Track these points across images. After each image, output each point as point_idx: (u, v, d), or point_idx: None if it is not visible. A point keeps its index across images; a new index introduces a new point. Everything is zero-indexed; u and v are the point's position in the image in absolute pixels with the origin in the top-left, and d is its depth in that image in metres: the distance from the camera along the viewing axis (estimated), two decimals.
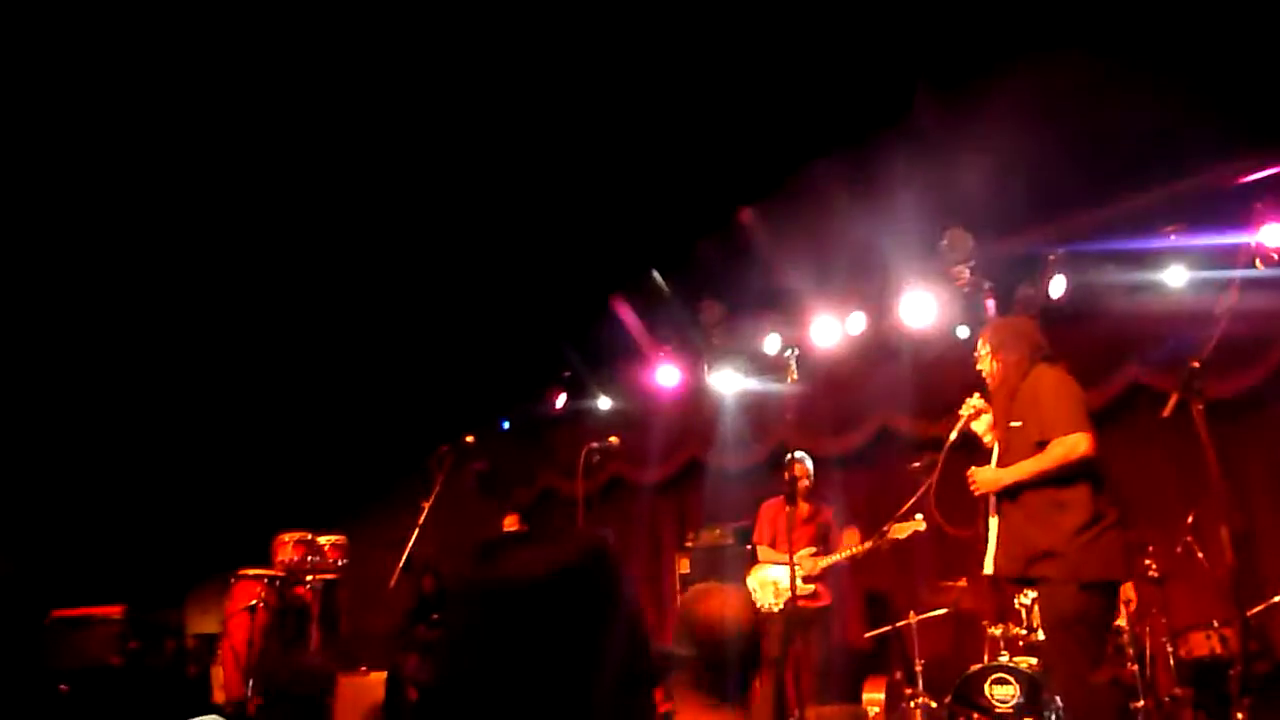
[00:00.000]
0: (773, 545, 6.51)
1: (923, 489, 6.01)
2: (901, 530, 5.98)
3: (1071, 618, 3.82)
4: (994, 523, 4.22)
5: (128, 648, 6.23)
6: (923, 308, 6.95)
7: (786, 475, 6.29)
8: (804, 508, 6.30)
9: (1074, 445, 3.90)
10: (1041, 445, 3.97)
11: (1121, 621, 5.32)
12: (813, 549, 6.23)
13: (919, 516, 6.03)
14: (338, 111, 6.26)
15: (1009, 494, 4.09)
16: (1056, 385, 4.06)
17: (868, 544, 6.13)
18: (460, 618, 1.02)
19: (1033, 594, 5.40)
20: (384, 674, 8.17)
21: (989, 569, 4.22)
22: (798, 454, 6.39)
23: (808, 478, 6.39)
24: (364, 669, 8.02)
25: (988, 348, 4.36)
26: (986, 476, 4.17)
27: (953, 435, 4.51)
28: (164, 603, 7.09)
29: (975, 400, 4.43)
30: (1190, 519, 5.45)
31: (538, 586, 1.00)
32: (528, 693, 0.96)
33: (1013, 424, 4.13)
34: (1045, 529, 3.94)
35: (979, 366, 4.42)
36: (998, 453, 4.25)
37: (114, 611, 6.31)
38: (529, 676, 0.96)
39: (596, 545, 1.04)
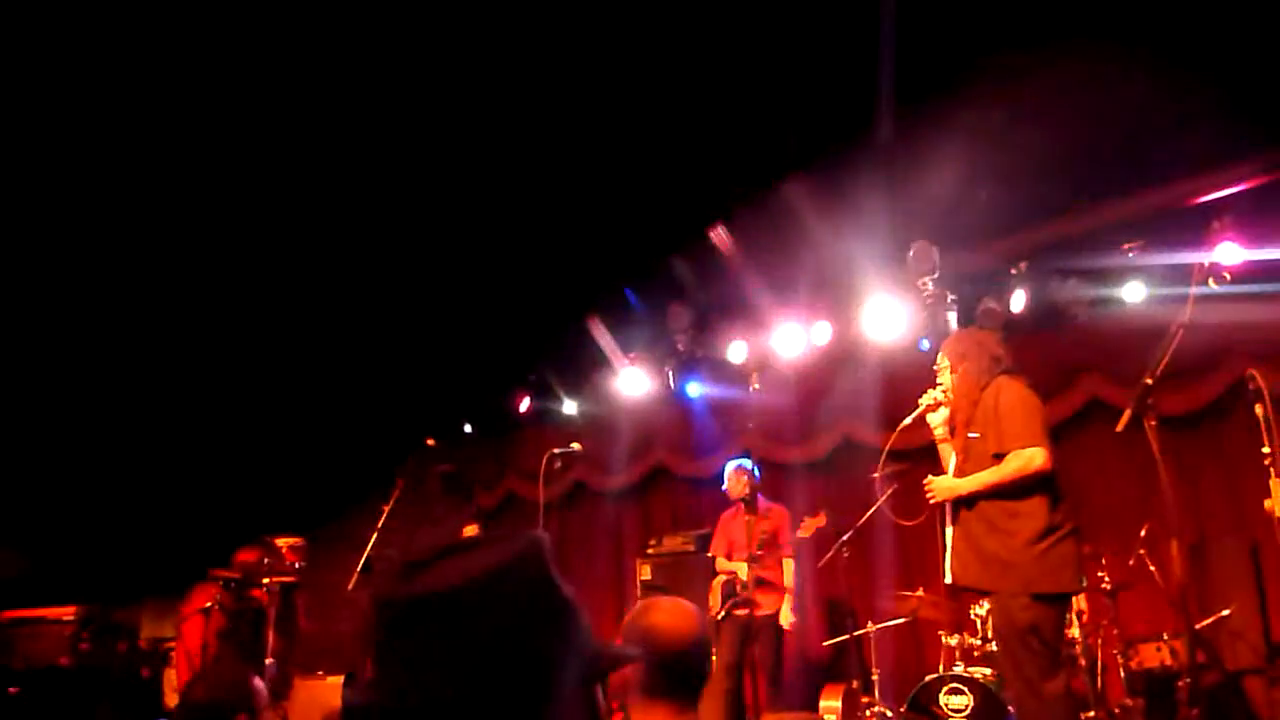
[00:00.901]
0: (729, 556, 6.53)
1: (884, 496, 6.09)
2: (806, 529, 6.16)
3: (1024, 628, 3.86)
4: (950, 531, 4.26)
5: (79, 649, 6.12)
6: (887, 319, 7.01)
7: (734, 482, 6.34)
8: (748, 514, 6.31)
9: (1030, 459, 3.93)
10: (999, 457, 4.00)
11: (1074, 632, 5.39)
12: (757, 554, 6.24)
13: (822, 513, 6.15)
14: (304, 124, 6.22)
15: (966, 504, 4.12)
16: (1016, 398, 4.09)
17: (760, 547, 6.10)
18: (383, 635, 1.00)
19: (988, 604, 5.46)
20: (341, 678, 8.10)
21: (948, 578, 4.26)
22: (738, 461, 6.41)
23: (745, 483, 6.39)
24: (321, 673, 7.94)
25: (947, 360, 4.40)
26: (943, 485, 4.21)
27: (907, 420, 4.53)
28: (122, 604, 6.96)
29: (935, 391, 4.45)
30: (1143, 532, 5.53)
31: (456, 594, 0.98)
32: (463, 703, 0.95)
33: (971, 434, 4.17)
34: (999, 540, 3.97)
35: (938, 380, 4.46)
36: (955, 462, 4.29)
37: (66, 612, 6.20)
38: (461, 686, 0.95)
39: (523, 547, 1.03)
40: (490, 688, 0.96)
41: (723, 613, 6.22)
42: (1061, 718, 3.84)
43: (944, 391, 4.40)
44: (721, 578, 6.42)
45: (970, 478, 4.09)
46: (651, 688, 2.24)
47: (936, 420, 4.44)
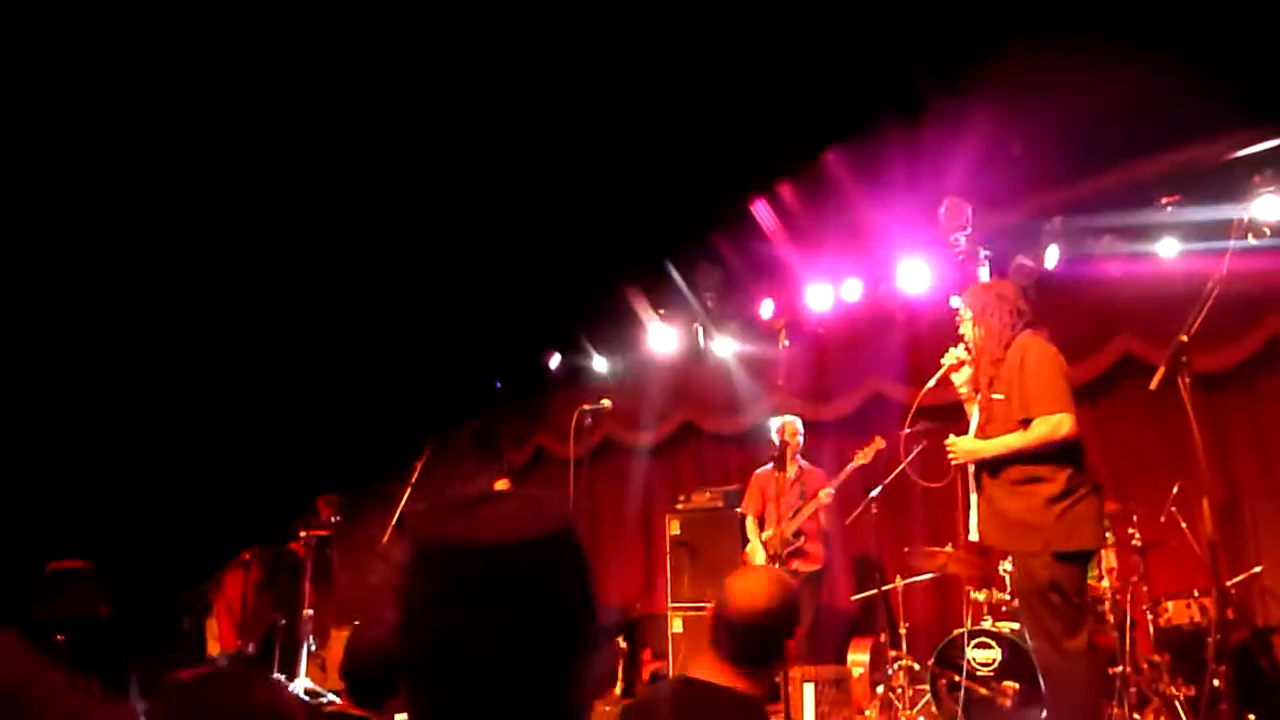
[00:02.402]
0: (761, 515, 6.58)
1: (911, 454, 6.10)
2: (865, 455, 6.19)
3: (1044, 585, 3.88)
4: (975, 493, 4.26)
5: (114, 600, 6.28)
6: (919, 275, 6.96)
7: (777, 439, 6.37)
8: (791, 471, 6.37)
9: (1057, 426, 3.91)
10: (1025, 423, 3.98)
11: (1105, 585, 5.41)
12: (793, 514, 6.31)
13: (877, 437, 6.16)
14: (306, 105, 6.25)
15: (988, 466, 4.12)
16: (1041, 360, 4.05)
17: (834, 484, 6.30)
18: (428, 577, 1.03)
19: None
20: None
21: (974, 535, 4.27)
22: (786, 416, 6.45)
23: (796, 440, 6.45)
24: (357, 623, 8.11)
25: (969, 313, 4.36)
26: (965, 447, 4.20)
27: (930, 382, 4.52)
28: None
29: (958, 350, 4.41)
30: (1175, 489, 5.50)
31: (506, 548, 1.01)
32: (496, 653, 0.98)
33: (995, 395, 4.13)
34: (1020, 501, 3.99)
35: (960, 331, 4.43)
36: (978, 422, 4.27)
37: (82, 566, 6.33)
38: (497, 636, 0.98)
39: (558, 507, 1.07)
40: (536, 640, 0.99)
41: None
42: (1084, 673, 3.87)
43: (966, 347, 4.37)
44: (757, 543, 6.46)
45: (993, 441, 4.07)
46: (718, 646, 2.32)
47: (960, 379, 4.42)
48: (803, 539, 6.38)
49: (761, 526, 6.55)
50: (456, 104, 6.38)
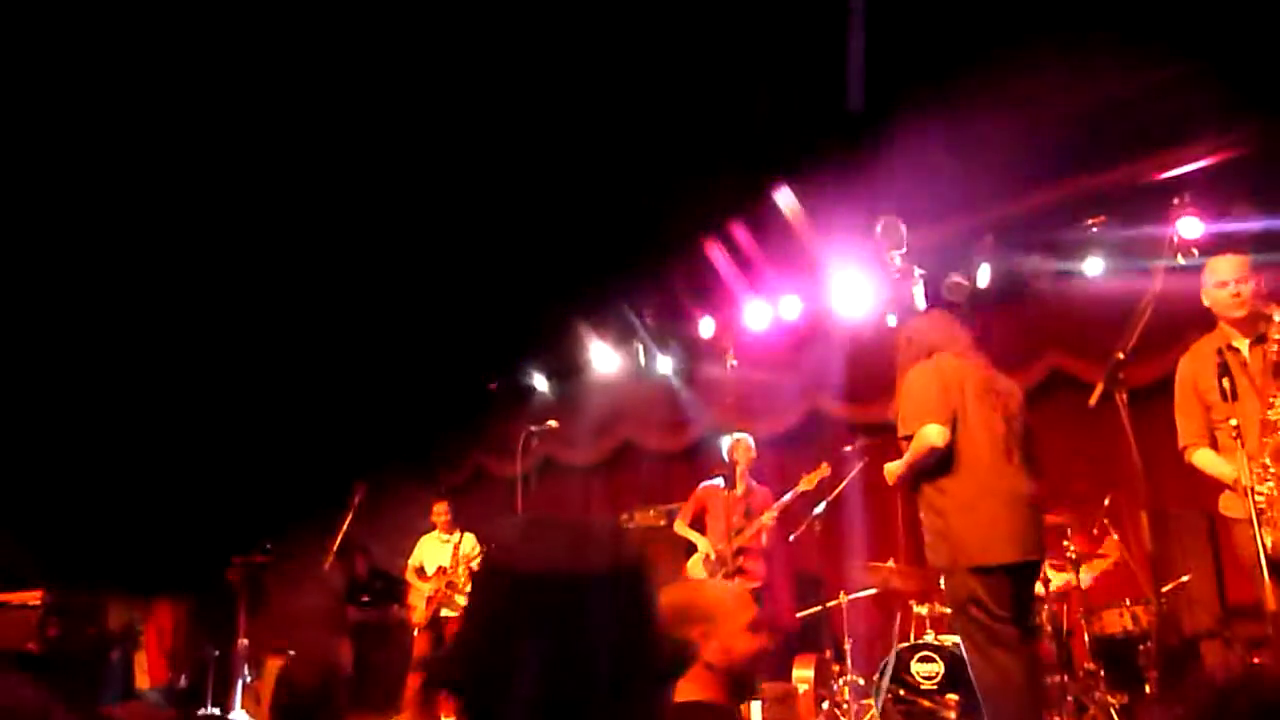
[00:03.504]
0: (700, 525, 6.57)
1: (854, 471, 6.19)
2: (810, 480, 6.18)
3: (964, 599, 3.93)
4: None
5: (47, 634, 6.04)
6: (855, 294, 7.08)
7: (728, 457, 6.39)
8: (740, 488, 6.39)
9: (922, 438, 4.00)
10: (907, 440, 4.11)
11: (1058, 582, 5.55)
12: (737, 530, 6.32)
13: (824, 464, 6.22)
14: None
15: (914, 486, 4.23)
16: (911, 379, 4.19)
17: (777, 506, 6.28)
18: (508, 597, 1.03)
19: None
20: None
21: (928, 557, 4.36)
22: (737, 434, 6.48)
23: (748, 457, 6.47)
24: (291, 652, 7.91)
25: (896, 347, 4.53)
26: (888, 468, 4.31)
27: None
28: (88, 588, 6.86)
29: None
30: (1107, 502, 5.66)
31: (598, 578, 1.03)
32: (577, 686, 0.98)
33: (896, 421, 4.27)
34: (930, 516, 4.10)
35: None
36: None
37: (32, 597, 6.11)
38: (581, 669, 0.99)
39: (632, 535, 1.08)
40: (597, 669, 0.99)
41: None
42: (1016, 683, 3.88)
43: None
44: (699, 555, 6.47)
45: (894, 463, 4.20)
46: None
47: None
48: (743, 557, 6.38)
49: None
50: (393, 125, 6.32)
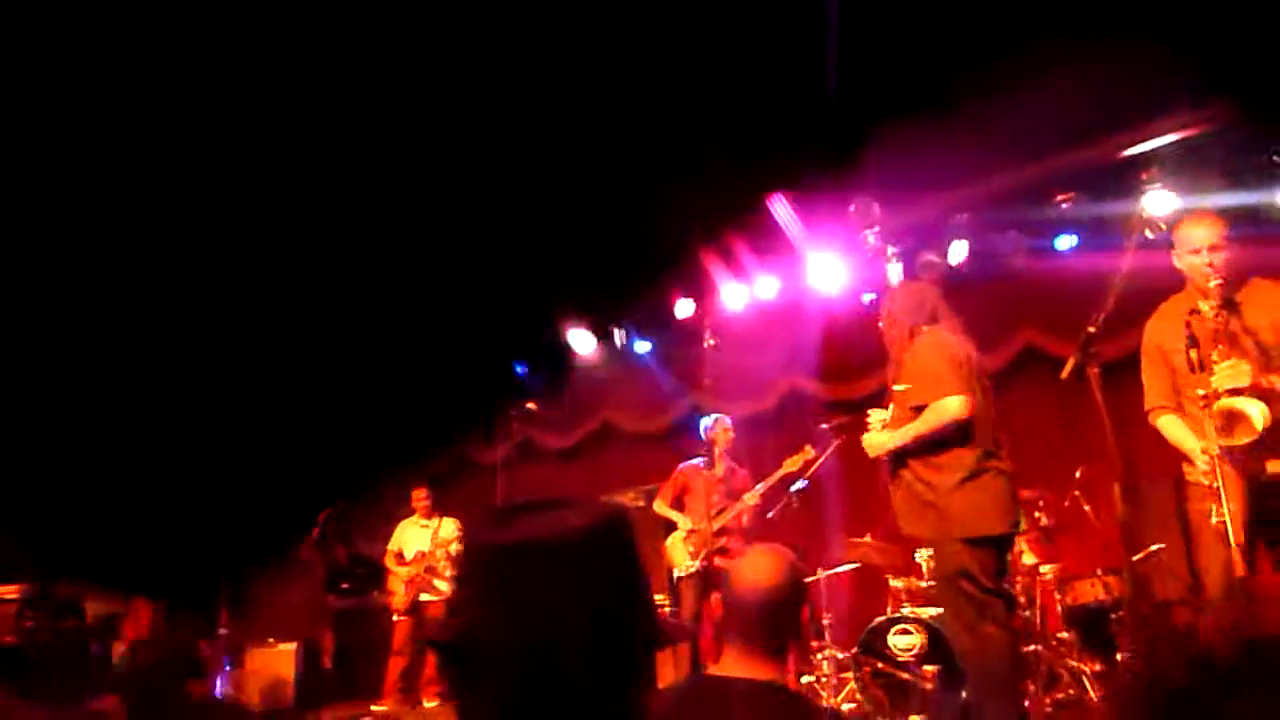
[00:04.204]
0: (678, 507, 6.61)
1: (830, 448, 6.23)
2: (794, 463, 6.20)
3: (955, 571, 3.98)
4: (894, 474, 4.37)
5: (23, 626, 5.97)
6: (830, 273, 7.12)
7: (706, 437, 6.41)
8: (720, 469, 6.42)
9: (945, 408, 4.02)
10: (919, 410, 4.10)
11: (1026, 559, 5.63)
12: (717, 512, 6.34)
13: (807, 446, 6.25)
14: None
15: (900, 457, 4.21)
16: (932, 349, 4.18)
17: (760, 487, 6.30)
18: (485, 577, 1.04)
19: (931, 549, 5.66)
20: (292, 646, 8.08)
21: (905, 529, 4.38)
22: (716, 415, 6.51)
23: (726, 438, 6.50)
24: (272, 641, 7.91)
25: (884, 315, 4.51)
26: (875, 440, 4.30)
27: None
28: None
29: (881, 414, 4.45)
30: (1079, 474, 5.75)
31: (568, 545, 1.03)
32: (552, 650, 0.99)
33: (898, 387, 4.26)
34: (927, 487, 4.09)
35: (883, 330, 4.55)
36: (891, 416, 4.39)
37: (9, 591, 6.05)
38: (555, 634, 1.00)
39: (616, 510, 1.09)
40: (584, 637, 1.00)
41: (693, 565, 6.32)
42: (999, 654, 3.96)
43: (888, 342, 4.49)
44: (680, 534, 6.48)
45: (897, 432, 4.17)
46: (737, 635, 2.23)
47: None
48: (725, 538, 6.40)
49: None
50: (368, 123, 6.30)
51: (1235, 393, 3.31)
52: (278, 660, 7.99)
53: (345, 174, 6.60)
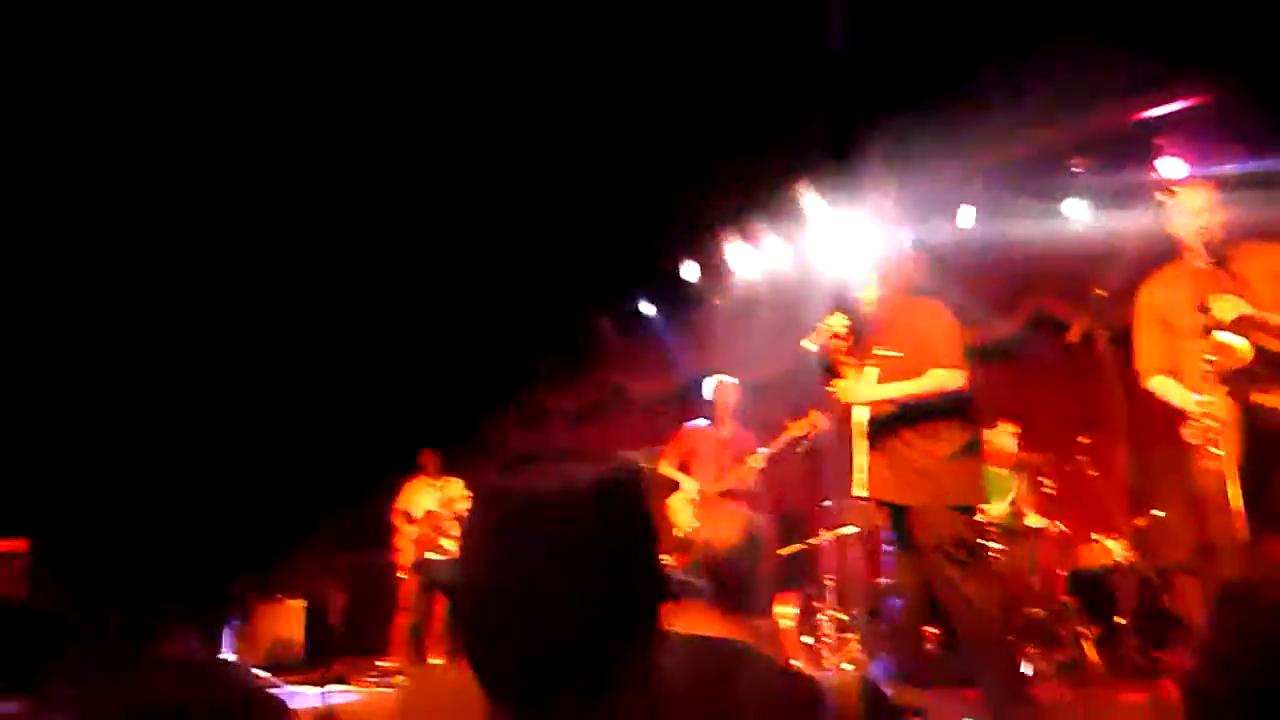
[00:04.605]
0: (685, 468, 6.61)
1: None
2: (800, 427, 6.16)
3: (945, 538, 4.01)
4: (863, 445, 4.37)
5: (34, 582, 6.03)
6: (840, 239, 7.09)
7: (713, 398, 6.42)
8: (725, 431, 6.44)
9: (946, 379, 4.05)
10: (908, 376, 4.13)
11: (1032, 521, 5.70)
12: (724, 471, 6.36)
13: (813, 412, 6.23)
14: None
15: (888, 421, 4.21)
16: (938, 320, 4.21)
17: (766, 451, 6.24)
18: (494, 527, 1.05)
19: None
20: (301, 602, 8.17)
21: (861, 491, 4.40)
22: (721, 376, 6.51)
23: (732, 399, 6.51)
24: (279, 596, 8.00)
25: (874, 276, 4.49)
26: (856, 391, 4.28)
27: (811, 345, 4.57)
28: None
29: (841, 319, 4.47)
30: (1085, 440, 5.77)
31: (576, 498, 1.04)
32: (558, 602, 1.01)
33: (892, 352, 4.25)
34: (919, 455, 4.12)
35: (861, 294, 4.54)
36: (875, 377, 4.34)
37: (18, 545, 6.10)
38: (561, 586, 1.01)
39: (628, 465, 1.09)
40: (591, 588, 1.02)
41: (696, 525, 6.35)
42: (988, 613, 3.99)
43: (868, 305, 4.46)
44: (681, 494, 6.51)
45: (888, 385, 4.17)
46: (697, 593, 2.26)
47: (838, 349, 4.45)
48: (730, 501, 6.42)
49: None
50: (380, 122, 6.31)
51: (1229, 326, 3.44)
52: (287, 616, 8.10)
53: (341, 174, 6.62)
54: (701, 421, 6.57)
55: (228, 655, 6.47)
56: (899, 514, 4.22)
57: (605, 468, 1.07)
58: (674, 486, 6.60)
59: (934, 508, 4.06)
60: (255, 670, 6.50)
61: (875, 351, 4.29)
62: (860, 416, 4.34)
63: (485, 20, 5.88)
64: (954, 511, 4.01)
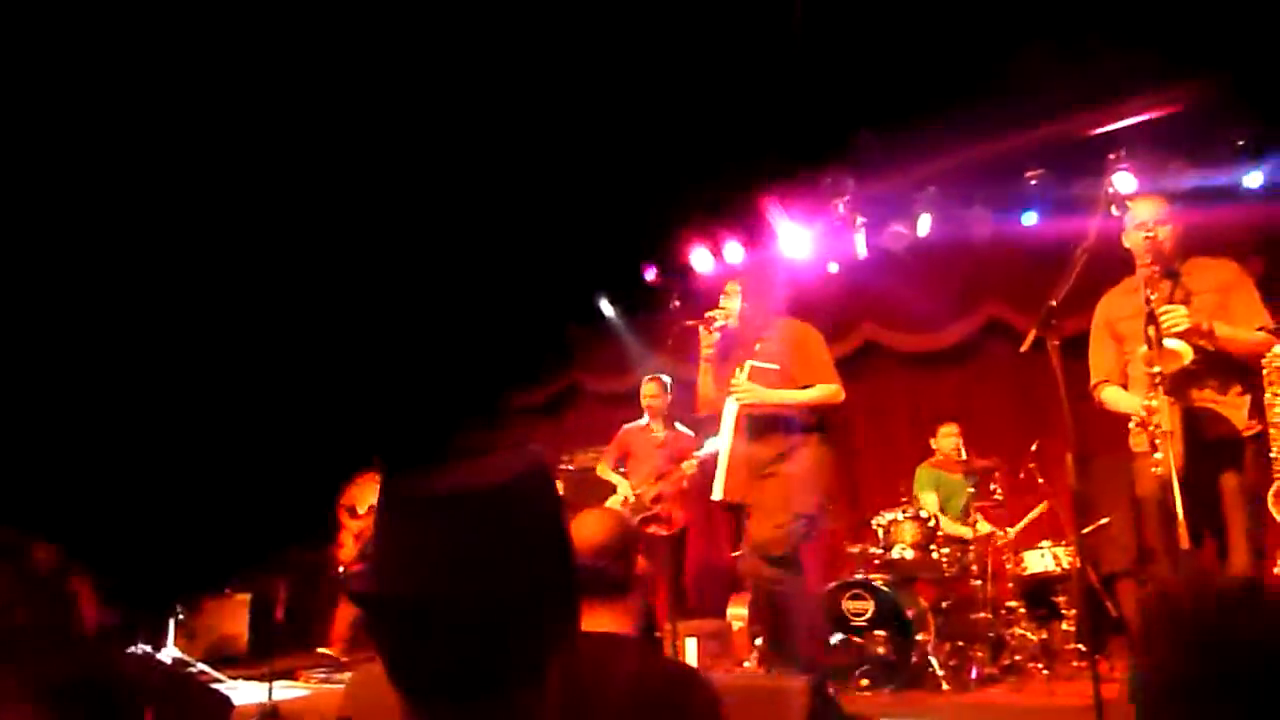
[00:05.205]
0: (620, 469, 6.53)
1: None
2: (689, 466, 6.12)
3: (797, 541, 4.34)
4: (728, 446, 4.54)
5: None
6: (798, 240, 7.14)
7: (643, 399, 6.41)
8: (660, 432, 6.39)
9: (835, 393, 4.47)
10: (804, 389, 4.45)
11: (982, 527, 5.80)
12: (659, 473, 6.28)
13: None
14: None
15: (750, 427, 4.47)
16: (811, 339, 4.58)
17: (701, 453, 6.02)
18: (411, 527, 1.03)
19: (889, 515, 5.76)
20: (246, 595, 8.05)
21: (718, 495, 4.56)
22: (653, 375, 6.49)
23: (660, 398, 6.44)
24: (228, 590, 7.89)
25: (738, 288, 4.69)
26: (751, 390, 4.48)
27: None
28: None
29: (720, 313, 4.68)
30: (1034, 447, 5.85)
31: (484, 494, 1.02)
32: (478, 599, 0.98)
33: (768, 365, 4.49)
34: (802, 465, 4.39)
35: (722, 304, 4.70)
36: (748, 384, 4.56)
37: None
38: (480, 583, 0.99)
39: (535, 457, 1.07)
40: (506, 586, 1.00)
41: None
42: (813, 605, 4.58)
43: (726, 316, 4.66)
44: (616, 498, 6.43)
45: (782, 391, 4.44)
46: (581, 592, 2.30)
47: (708, 341, 4.66)
48: (660, 505, 6.28)
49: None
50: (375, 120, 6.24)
51: (1179, 338, 3.54)
52: (232, 610, 7.97)
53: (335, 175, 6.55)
54: (642, 422, 6.53)
55: (171, 649, 6.34)
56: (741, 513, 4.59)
57: (512, 465, 1.05)
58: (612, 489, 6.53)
59: (784, 511, 4.31)
60: (198, 665, 6.39)
61: (752, 363, 4.53)
62: (729, 420, 4.56)
63: (441, 34, 5.87)
64: (803, 516, 4.30)
